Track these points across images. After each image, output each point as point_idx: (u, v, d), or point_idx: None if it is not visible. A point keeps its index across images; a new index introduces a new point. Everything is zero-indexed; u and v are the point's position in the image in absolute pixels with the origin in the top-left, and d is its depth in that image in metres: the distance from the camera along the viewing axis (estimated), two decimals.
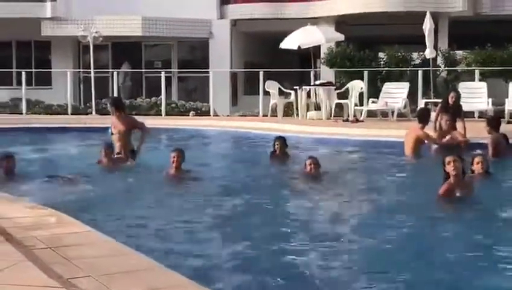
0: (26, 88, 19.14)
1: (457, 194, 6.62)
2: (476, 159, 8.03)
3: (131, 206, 6.93)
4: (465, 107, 13.10)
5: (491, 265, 4.85)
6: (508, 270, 4.70)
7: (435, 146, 10.63)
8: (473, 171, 7.90)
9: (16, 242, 4.12)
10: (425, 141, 10.50)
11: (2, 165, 8.24)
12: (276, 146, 9.92)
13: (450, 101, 11.60)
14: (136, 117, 15.82)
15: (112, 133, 9.88)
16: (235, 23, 22.31)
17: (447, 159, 6.67)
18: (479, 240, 5.51)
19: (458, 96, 11.87)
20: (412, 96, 16.33)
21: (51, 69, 22.50)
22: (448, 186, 6.58)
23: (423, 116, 10.81)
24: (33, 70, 21.93)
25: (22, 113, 18.79)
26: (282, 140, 10.05)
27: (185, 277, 3.55)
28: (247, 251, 5.15)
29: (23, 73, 19.30)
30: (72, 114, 18.57)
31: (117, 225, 5.76)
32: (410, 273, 4.63)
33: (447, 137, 10.74)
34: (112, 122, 9.95)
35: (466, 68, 17.97)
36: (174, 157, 8.25)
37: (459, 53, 18.79)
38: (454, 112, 11.47)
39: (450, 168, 6.57)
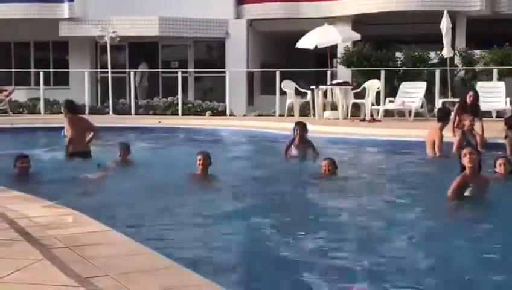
0: (44, 88, 19.30)
1: (471, 186, 6.63)
2: (499, 161, 8.05)
3: (150, 206, 6.95)
4: (483, 106, 13.02)
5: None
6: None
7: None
8: (496, 173, 7.92)
9: (34, 241, 4.15)
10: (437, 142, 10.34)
11: (17, 166, 8.32)
12: (295, 132, 9.84)
13: (468, 100, 11.51)
14: (153, 117, 16.00)
15: (65, 136, 9.99)
16: (251, 23, 22.31)
17: (463, 151, 6.75)
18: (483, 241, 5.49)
19: (476, 96, 11.76)
20: (429, 96, 16.25)
21: (68, 69, 22.65)
22: (464, 178, 6.62)
23: (443, 116, 10.75)
24: (51, 70, 22.09)
25: (40, 113, 18.93)
26: (302, 125, 9.98)
27: (202, 277, 3.55)
28: (262, 251, 5.16)
29: (41, 73, 19.46)
30: (89, 114, 18.67)
31: (136, 225, 5.78)
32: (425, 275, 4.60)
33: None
34: (65, 124, 10.04)
35: (484, 68, 17.84)
36: (200, 160, 8.26)
37: (477, 52, 18.65)
38: (472, 111, 11.38)
39: (465, 160, 6.62)
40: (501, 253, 5.10)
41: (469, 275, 4.63)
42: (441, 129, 10.47)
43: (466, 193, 6.63)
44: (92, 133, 10.22)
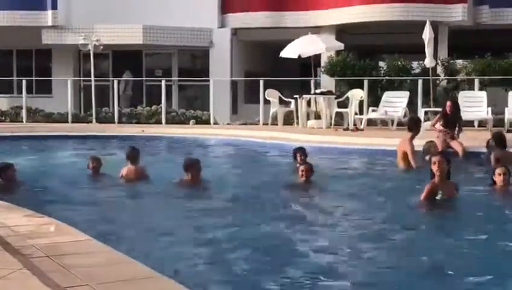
0: (26, 96, 19.19)
1: (440, 195, 6.91)
2: (498, 171, 7.65)
3: (133, 215, 6.93)
4: (465, 116, 13.17)
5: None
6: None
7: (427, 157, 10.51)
8: (494, 183, 7.67)
9: (14, 251, 4.12)
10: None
11: (2, 175, 8.23)
12: (298, 157, 9.74)
13: (448, 110, 11.62)
14: (137, 125, 15.90)
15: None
16: (235, 32, 22.36)
17: (433, 159, 7.07)
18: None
19: (455, 105, 11.86)
20: (411, 105, 16.36)
21: (51, 77, 22.55)
22: (432, 186, 6.93)
23: (412, 125, 10.49)
24: (34, 78, 21.97)
25: (22, 122, 18.82)
26: (302, 151, 9.84)
27: (182, 286, 3.55)
28: (243, 257, 5.17)
29: (24, 81, 19.34)
30: (72, 122, 18.60)
31: (117, 234, 5.76)
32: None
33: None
34: None
35: (466, 77, 17.99)
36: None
37: (459, 62, 18.83)
38: (454, 121, 11.50)
39: (434, 168, 6.94)
40: (469, 256, 5.26)
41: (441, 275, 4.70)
42: (412, 139, 10.25)
43: (437, 198, 6.93)
44: None
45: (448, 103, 11.80)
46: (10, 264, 3.80)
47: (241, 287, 4.58)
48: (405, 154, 10.11)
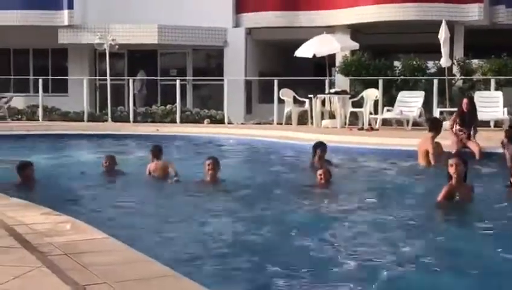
0: (43, 95, 19.32)
1: (458, 195, 6.90)
2: None
3: (152, 213, 6.96)
4: (481, 116, 13.09)
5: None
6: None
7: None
8: None
9: (33, 248, 4.16)
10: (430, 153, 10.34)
11: (21, 173, 8.30)
12: (315, 153, 9.76)
13: (464, 108, 11.56)
14: (151, 124, 15.95)
15: None
16: (250, 31, 22.38)
17: (450, 161, 7.03)
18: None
19: (472, 103, 11.81)
20: (427, 105, 16.29)
21: (67, 76, 22.69)
22: (449, 188, 6.91)
23: (433, 126, 10.76)
24: (50, 77, 22.11)
25: (38, 120, 18.95)
26: (323, 146, 9.88)
27: (200, 285, 3.56)
28: (257, 259, 5.18)
29: (40, 80, 19.47)
30: (88, 121, 18.71)
31: (135, 232, 5.80)
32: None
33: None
34: None
35: (482, 77, 17.89)
36: (209, 165, 8.28)
37: (475, 62, 18.71)
38: (470, 119, 11.43)
39: (451, 170, 6.91)
40: (485, 258, 5.23)
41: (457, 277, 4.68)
42: (433, 139, 10.48)
43: (453, 201, 6.91)
44: None
45: (465, 100, 11.75)
46: (29, 262, 3.84)
47: (258, 286, 4.59)
48: (426, 153, 10.21)
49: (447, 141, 11.05)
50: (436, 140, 10.75)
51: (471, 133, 11.33)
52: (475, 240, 5.88)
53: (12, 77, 22.92)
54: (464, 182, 7.06)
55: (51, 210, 5.51)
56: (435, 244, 5.78)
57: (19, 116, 19.68)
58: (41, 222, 5.01)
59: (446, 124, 12.06)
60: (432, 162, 10.17)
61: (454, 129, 11.36)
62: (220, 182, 8.38)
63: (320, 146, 9.91)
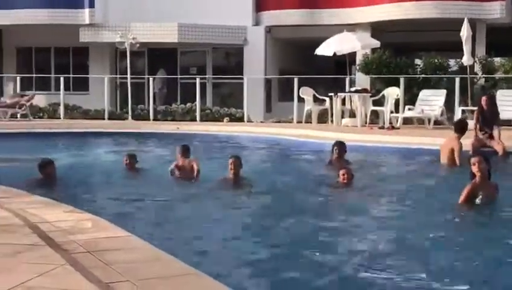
0: (64, 93, 19.45)
1: (481, 194, 6.83)
2: None
3: (174, 212, 6.98)
4: (503, 115, 12.93)
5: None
6: None
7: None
8: None
9: (57, 246, 4.18)
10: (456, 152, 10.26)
11: (43, 171, 8.36)
12: (334, 151, 9.81)
13: (484, 105, 11.45)
14: (172, 122, 15.97)
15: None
16: (269, 29, 22.34)
17: (472, 160, 7.01)
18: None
19: (492, 100, 11.69)
20: (448, 103, 16.16)
21: (88, 74, 22.83)
22: (472, 187, 6.86)
23: (459, 127, 10.67)
24: (71, 75, 22.27)
25: (60, 118, 19.09)
26: (341, 145, 9.92)
27: (222, 284, 3.56)
28: (272, 257, 5.18)
29: (62, 78, 19.61)
30: (108, 119, 18.82)
31: (157, 231, 5.82)
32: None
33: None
34: None
35: (504, 75, 17.71)
36: (231, 163, 8.31)
37: (497, 60, 18.52)
38: (491, 117, 11.30)
39: (474, 169, 6.88)
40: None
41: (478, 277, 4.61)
42: (459, 138, 10.39)
43: (476, 200, 6.85)
44: None
45: (484, 98, 11.66)
46: (53, 260, 3.86)
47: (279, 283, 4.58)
48: (451, 152, 10.12)
49: (468, 140, 10.95)
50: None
51: (496, 132, 11.19)
52: (496, 240, 5.80)
53: (34, 75, 23.11)
54: (489, 180, 6.99)
55: (73, 208, 5.55)
56: (455, 245, 5.73)
57: (41, 115, 19.85)
58: (64, 220, 5.04)
59: (471, 123, 11.94)
60: (458, 162, 10.02)
61: (477, 128, 11.25)
62: (242, 180, 8.37)
63: (339, 145, 9.90)
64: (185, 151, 9.30)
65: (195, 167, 9.03)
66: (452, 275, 4.77)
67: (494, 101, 11.79)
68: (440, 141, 10.99)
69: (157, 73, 22.19)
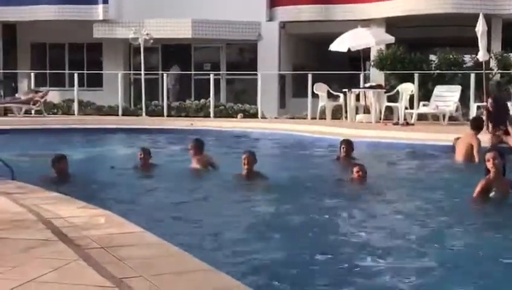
0: (78, 89, 19.52)
1: (495, 190, 6.80)
2: None
3: (188, 208, 6.97)
4: None
5: None
6: None
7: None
8: None
9: (69, 242, 4.18)
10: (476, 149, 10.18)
11: (55, 166, 8.38)
12: (342, 149, 9.83)
13: (490, 107, 11.42)
14: (186, 118, 15.98)
15: None
16: (283, 25, 22.30)
17: (487, 156, 6.97)
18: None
19: (495, 100, 11.62)
20: (463, 99, 16.04)
21: (102, 70, 22.90)
22: (486, 182, 6.82)
23: (476, 124, 10.62)
24: (85, 71, 22.35)
25: (74, 114, 19.17)
26: (348, 143, 9.93)
27: (236, 280, 3.54)
28: (288, 255, 5.16)
29: (76, 74, 19.68)
30: (122, 115, 18.86)
31: (171, 227, 5.81)
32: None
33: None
34: None
35: None
36: (244, 159, 8.29)
37: None
38: (501, 116, 11.22)
39: (489, 165, 6.84)
40: None
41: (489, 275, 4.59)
42: (476, 135, 10.34)
43: (490, 195, 6.82)
44: None
45: (489, 100, 11.63)
46: (66, 255, 3.86)
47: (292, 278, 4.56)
48: (469, 148, 10.03)
49: (484, 137, 10.87)
50: (459, 135, 10.65)
51: (510, 128, 11.11)
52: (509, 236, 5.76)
53: (48, 71, 23.22)
54: (503, 176, 6.93)
55: (86, 204, 5.55)
56: (468, 241, 5.69)
57: (55, 111, 19.94)
58: (78, 215, 5.04)
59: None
60: (477, 159, 9.80)
61: (489, 127, 11.16)
62: (256, 176, 8.35)
63: (346, 143, 9.92)
64: (199, 147, 9.29)
65: (212, 161, 9.03)
66: (459, 269, 4.76)
67: (500, 100, 11.72)
68: (455, 137, 10.89)
69: (171, 69, 22.22)
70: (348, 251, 5.29)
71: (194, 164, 9.20)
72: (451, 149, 10.63)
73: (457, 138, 10.71)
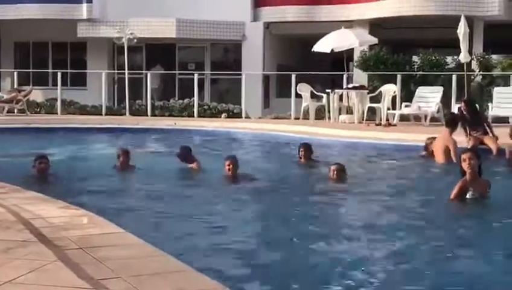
0: (61, 88, 19.42)
1: (471, 190, 6.78)
2: None
3: (168, 209, 6.98)
4: (500, 112, 12.99)
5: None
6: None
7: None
8: None
9: (48, 242, 4.19)
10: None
11: (36, 166, 8.35)
12: (300, 153, 9.91)
13: (463, 110, 11.52)
14: (169, 118, 15.94)
15: None
16: (268, 25, 22.34)
17: (463, 156, 6.91)
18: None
19: (468, 104, 11.72)
20: (445, 100, 16.16)
21: (86, 70, 22.80)
22: (463, 184, 6.79)
23: (450, 122, 10.67)
24: (68, 71, 22.24)
25: (57, 113, 19.06)
26: (307, 147, 10.00)
27: (214, 280, 3.57)
28: (270, 252, 5.20)
29: (59, 74, 19.56)
30: (106, 115, 18.79)
31: (151, 228, 5.82)
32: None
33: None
34: None
35: (501, 73, 17.71)
36: (228, 165, 8.30)
37: (494, 57, 18.54)
38: (476, 120, 11.30)
39: (465, 165, 6.79)
40: (502, 255, 5.18)
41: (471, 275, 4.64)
42: (451, 134, 10.37)
43: (467, 196, 6.81)
44: None
45: (462, 104, 11.74)
46: (45, 256, 3.87)
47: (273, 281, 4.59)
48: (447, 149, 10.07)
49: (463, 137, 10.95)
50: (434, 135, 10.73)
51: (488, 130, 11.21)
52: (491, 239, 5.82)
53: (31, 70, 23.08)
54: (480, 176, 6.94)
55: (67, 204, 5.55)
56: (448, 243, 5.74)
57: (38, 110, 19.81)
58: (58, 216, 5.04)
59: None
60: (454, 159, 9.82)
61: (466, 130, 11.24)
62: (239, 178, 8.35)
63: (304, 145, 9.99)
64: (185, 158, 9.22)
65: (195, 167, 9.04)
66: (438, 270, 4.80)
67: (472, 106, 11.81)
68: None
69: (153, 69, 22.17)
70: (323, 244, 5.34)
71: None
72: (424, 148, 10.69)
73: (430, 138, 10.77)
